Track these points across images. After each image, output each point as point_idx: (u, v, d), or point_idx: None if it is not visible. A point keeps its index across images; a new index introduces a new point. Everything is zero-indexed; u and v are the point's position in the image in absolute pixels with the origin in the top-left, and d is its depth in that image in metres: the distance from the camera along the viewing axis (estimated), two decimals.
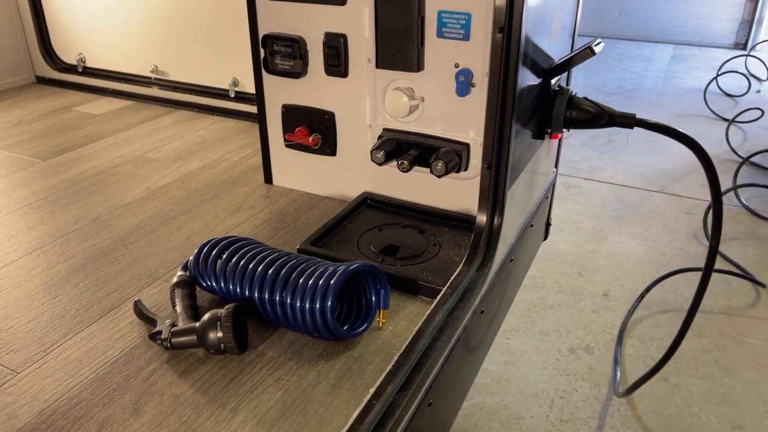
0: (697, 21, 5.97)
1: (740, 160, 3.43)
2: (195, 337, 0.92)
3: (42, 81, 2.26)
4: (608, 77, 5.17)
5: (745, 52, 5.45)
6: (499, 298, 1.25)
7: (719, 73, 4.76)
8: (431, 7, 1.12)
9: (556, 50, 1.33)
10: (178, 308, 0.98)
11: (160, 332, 0.94)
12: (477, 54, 1.11)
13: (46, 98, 2.11)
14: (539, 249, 2.81)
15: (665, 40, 6.14)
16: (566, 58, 1.24)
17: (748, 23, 5.78)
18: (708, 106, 4.32)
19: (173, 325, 0.95)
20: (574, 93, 1.24)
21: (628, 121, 1.19)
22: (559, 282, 2.60)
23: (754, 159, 3.47)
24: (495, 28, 0.97)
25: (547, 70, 1.23)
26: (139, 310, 1.01)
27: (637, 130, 3.97)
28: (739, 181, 3.26)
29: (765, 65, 4.93)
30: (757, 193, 3.19)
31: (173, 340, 0.93)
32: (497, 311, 1.27)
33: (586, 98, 1.23)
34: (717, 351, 2.21)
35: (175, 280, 1.03)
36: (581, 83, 4.98)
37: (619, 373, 2.10)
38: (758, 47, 5.64)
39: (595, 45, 1.17)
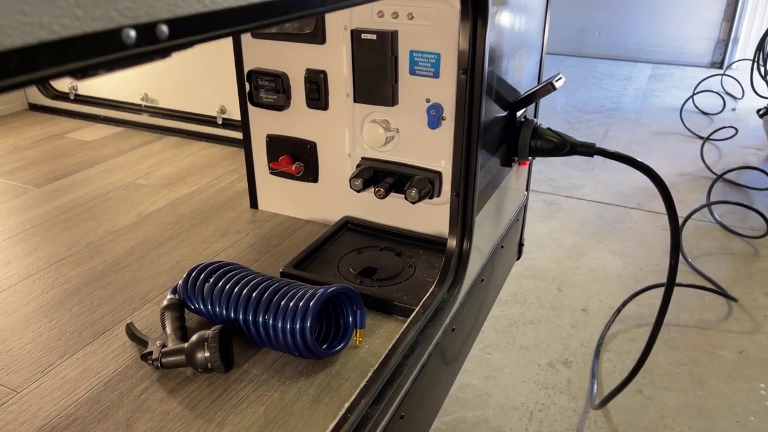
0: (675, 41, 6.15)
1: (714, 177, 3.55)
2: (184, 357, 0.99)
3: (34, 108, 2.33)
4: (589, 96, 5.31)
5: (722, 71, 5.62)
6: (470, 316, 1.33)
7: (695, 92, 4.90)
8: (404, 47, 1.21)
9: (522, 84, 1.42)
10: (168, 330, 1.05)
11: (151, 353, 1.01)
12: (446, 90, 1.20)
13: (38, 125, 2.18)
14: (520, 265, 2.90)
15: (644, 59, 6.31)
16: (529, 92, 1.34)
17: (724, 42, 5.96)
18: (684, 124, 4.45)
19: (163, 345, 1.02)
20: (538, 124, 1.33)
21: (588, 150, 1.28)
22: (539, 298, 2.68)
23: (727, 176, 3.59)
24: (459, 69, 1.06)
25: (512, 103, 1.33)
26: (131, 332, 1.08)
27: (615, 148, 4.09)
28: (713, 198, 3.38)
29: (740, 84, 5.08)
30: (730, 210, 3.30)
31: (163, 360, 1.00)
32: (469, 329, 1.35)
33: (549, 128, 1.32)
34: (691, 364, 2.29)
35: (164, 303, 1.10)
36: (562, 102, 5.11)
37: (596, 387, 2.18)
38: (734, 66, 5.81)
39: (556, 80, 1.26)
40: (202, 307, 1.09)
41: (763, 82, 4.34)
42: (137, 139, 2.04)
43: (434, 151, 1.27)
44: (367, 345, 1.07)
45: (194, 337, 0.99)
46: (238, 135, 1.95)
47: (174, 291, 1.14)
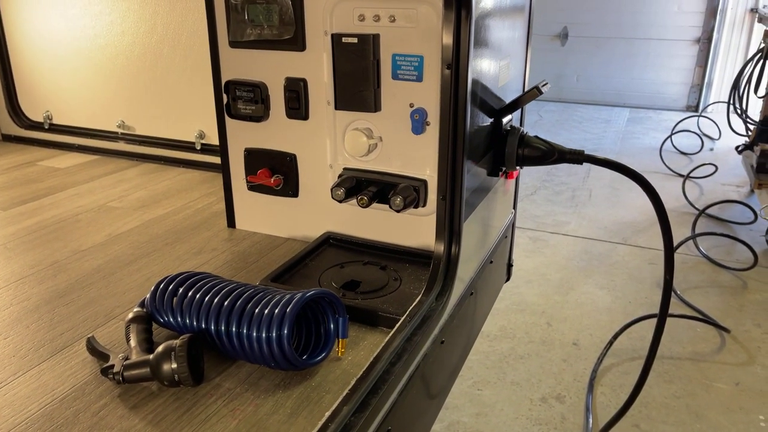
0: (651, 86, 6.31)
1: (697, 212, 3.55)
2: (148, 369, 0.90)
3: (8, 139, 2.27)
4: (570, 138, 5.37)
5: (697, 114, 5.75)
6: (460, 331, 1.26)
7: (673, 132, 4.99)
8: (386, 51, 1.18)
9: (507, 94, 1.40)
10: (132, 342, 0.97)
11: (112, 366, 0.92)
12: (430, 94, 1.17)
13: (10, 155, 2.11)
14: (508, 300, 2.83)
15: (621, 103, 6.45)
16: (515, 99, 1.31)
17: (698, 87, 6.13)
18: (664, 163, 4.50)
19: (126, 358, 0.93)
20: (525, 132, 1.29)
21: (577, 157, 1.25)
22: (529, 332, 2.61)
23: (711, 211, 3.60)
24: (443, 64, 1.03)
25: (498, 110, 1.29)
26: (92, 346, 0.99)
27: (598, 186, 4.11)
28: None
29: (716, 125, 5.19)
30: (715, 243, 3.29)
31: (125, 373, 0.91)
32: (459, 345, 1.27)
33: (536, 136, 1.29)
34: (687, 397, 2.22)
35: (130, 315, 1.02)
36: None
37: (591, 421, 2.08)
38: (709, 109, 5.96)
39: (542, 86, 1.24)
40: (171, 319, 1.01)
41: (740, 121, 4.43)
42: (112, 166, 1.98)
43: (419, 158, 1.22)
44: (350, 356, 0.99)
45: (160, 348, 0.90)
46: (217, 160, 1.90)
47: (142, 305, 1.06)
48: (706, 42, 5.96)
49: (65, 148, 2.16)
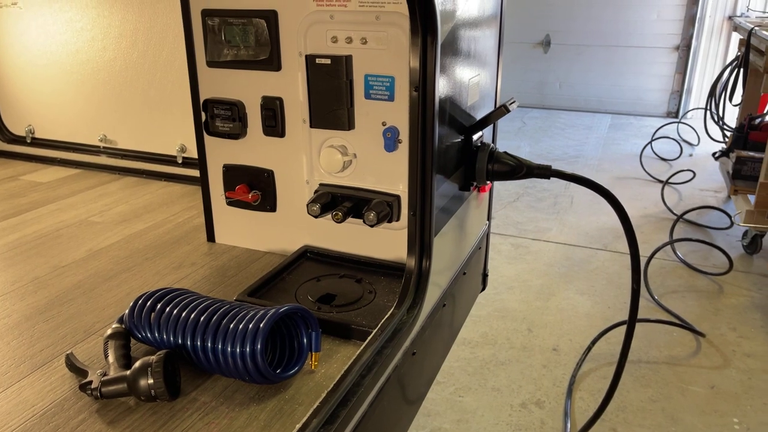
0: (632, 93, 6.40)
1: (675, 217, 3.62)
2: (126, 385, 0.93)
3: None
4: (552, 144, 5.44)
5: (677, 120, 5.84)
6: (432, 342, 1.29)
7: (653, 138, 5.07)
8: (358, 72, 1.22)
9: (478, 111, 1.44)
10: (111, 358, 0.99)
11: (90, 382, 0.95)
12: (401, 112, 1.21)
13: None
14: (490, 307, 2.87)
15: (603, 110, 6.54)
16: (484, 117, 1.35)
17: (678, 94, 6.23)
18: (644, 169, 4.58)
19: (104, 374, 0.96)
20: (494, 148, 1.34)
21: (544, 172, 1.29)
22: (510, 338, 2.65)
23: (689, 216, 3.67)
24: (411, 87, 1.07)
25: (468, 127, 1.34)
26: (71, 363, 1.01)
27: (580, 193, 4.17)
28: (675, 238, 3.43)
29: (695, 132, 5.28)
30: (693, 249, 3.36)
31: (103, 389, 0.94)
32: (431, 356, 1.31)
33: (506, 152, 1.33)
34: (663, 400, 2.26)
35: (109, 332, 1.04)
36: (527, 150, 5.23)
37: (569, 426, 2.12)
38: (688, 115, 6.05)
39: (510, 104, 1.28)
40: (149, 334, 1.04)
41: (717, 128, 4.51)
42: (94, 180, 2.00)
43: (392, 174, 1.26)
44: (323, 369, 1.02)
45: (137, 364, 0.93)
46: (198, 173, 1.93)
47: (120, 321, 1.09)
48: (685, 49, 6.06)
49: (47, 162, 2.17)
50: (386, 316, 1.08)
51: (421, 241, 1.13)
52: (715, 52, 6.03)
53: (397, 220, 1.28)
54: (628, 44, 6.24)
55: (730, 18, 5.86)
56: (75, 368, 1.01)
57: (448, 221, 1.31)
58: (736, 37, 5.78)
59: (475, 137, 1.35)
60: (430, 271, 1.14)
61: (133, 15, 1.88)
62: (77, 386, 0.98)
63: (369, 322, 1.12)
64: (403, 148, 1.23)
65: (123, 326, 1.07)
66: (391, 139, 1.22)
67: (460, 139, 1.29)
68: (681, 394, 2.30)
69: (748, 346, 2.58)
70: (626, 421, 2.16)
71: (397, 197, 1.27)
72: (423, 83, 1.04)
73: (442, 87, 1.12)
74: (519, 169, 1.29)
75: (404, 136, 1.22)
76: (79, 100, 2.06)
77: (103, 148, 2.09)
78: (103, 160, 2.09)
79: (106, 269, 1.39)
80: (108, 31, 1.93)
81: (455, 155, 1.27)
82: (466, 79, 1.30)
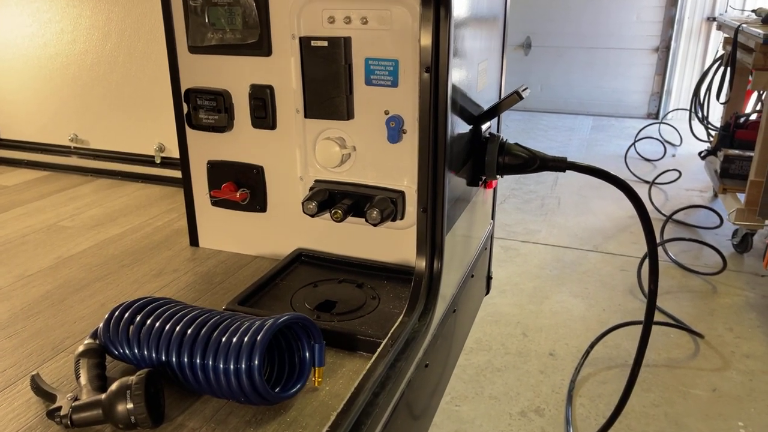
0: (612, 94, 6.40)
1: (664, 218, 3.57)
2: (101, 410, 0.80)
3: None
4: (535, 146, 5.34)
5: (658, 121, 5.85)
6: (443, 351, 1.18)
7: (636, 139, 5.05)
8: (358, 55, 1.11)
9: (484, 99, 1.34)
10: (83, 380, 0.86)
11: (59, 408, 0.82)
12: (406, 100, 1.10)
13: None
14: (483, 311, 2.78)
15: (584, 112, 6.53)
16: (494, 104, 1.25)
17: (658, 95, 6.24)
18: (629, 170, 4.54)
19: (75, 399, 0.83)
20: (505, 139, 1.24)
21: (559, 164, 1.19)
22: (504, 344, 2.56)
23: (677, 217, 3.62)
24: (422, 67, 0.96)
25: (477, 116, 1.23)
26: (37, 385, 0.88)
27: (567, 194, 4.11)
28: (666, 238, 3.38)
29: (678, 132, 5.28)
30: (684, 249, 3.31)
31: (74, 416, 0.81)
32: (443, 367, 1.20)
33: (517, 144, 1.23)
34: (665, 405, 2.19)
35: (80, 349, 0.91)
36: None
37: None
38: (669, 116, 6.07)
39: (522, 90, 1.18)
40: (127, 351, 0.91)
41: (701, 127, 4.50)
42: (64, 182, 1.85)
43: (395, 168, 1.15)
44: (327, 386, 0.91)
45: (114, 386, 0.81)
46: (179, 174, 1.79)
47: (94, 335, 0.96)
48: (664, 51, 6.08)
49: (13, 164, 2.02)
50: (396, 324, 0.97)
51: (432, 241, 1.02)
52: (694, 54, 6.06)
53: (402, 218, 1.17)
54: (608, 46, 6.24)
55: (709, 19, 5.90)
56: (42, 392, 0.87)
57: (457, 219, 1.21)
58: (715, 39, 5.82)
59: (483, 128, 1.24)
60: (442, 274, 1.03)
61: (105, 4, 1.74)
62: (44, 413, 0.85)
63: (375, 331, 1.00)
64: (408, 139, 1.12)
65: (97, 342, 0.94)
66: (395, 129, 1.11)
67: (469, 129, 1.19)
68: (683, 398, 2.23)
69: (747, 346, 2.52)
70: (629, 428, 2.08)
71: (402, 193, 1.16)
72: (435, 63, 0.93)
73: (454, 69, 1.02)
74: (532, 162, 1.19)
75: (409, 125, 1.11)
76: (48, 97, 1.91)
77: (74, 148, 1.94)
78: (74, 161, 1.95)
79: (77, 278, 1.25)
80: (78, 21, 1.79)
81: (464, 147, 1.17)
82: (476, 64, 1.20)
